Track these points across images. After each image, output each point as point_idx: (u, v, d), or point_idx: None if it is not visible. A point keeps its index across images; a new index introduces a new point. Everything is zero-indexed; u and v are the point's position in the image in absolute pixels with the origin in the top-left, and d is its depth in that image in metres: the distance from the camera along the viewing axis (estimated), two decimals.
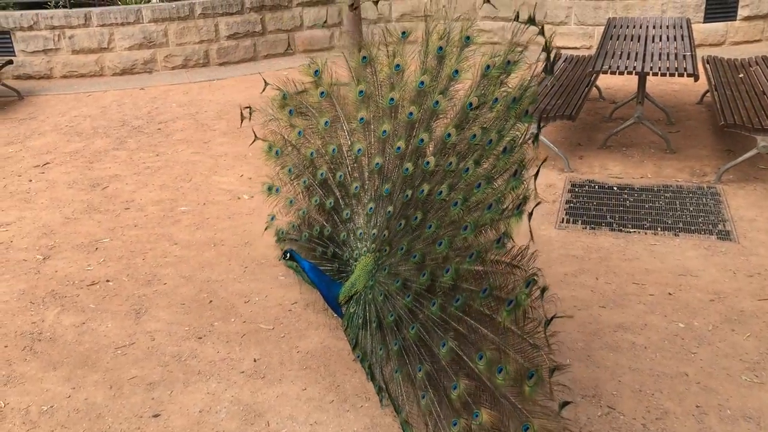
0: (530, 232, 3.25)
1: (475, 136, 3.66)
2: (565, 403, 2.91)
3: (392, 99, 3.99)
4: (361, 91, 4.15)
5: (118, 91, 10.26)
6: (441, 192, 3.66)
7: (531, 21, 3.63)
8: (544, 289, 3.05)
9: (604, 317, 4.48)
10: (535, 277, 3.06)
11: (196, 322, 4.69)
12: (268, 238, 5.74)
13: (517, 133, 3.54)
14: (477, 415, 3.02)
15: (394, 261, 3.77)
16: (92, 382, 4.16)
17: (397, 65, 4.05)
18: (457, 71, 3.89)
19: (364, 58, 4.20)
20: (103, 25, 10.69)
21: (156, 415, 3.86)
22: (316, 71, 4.51)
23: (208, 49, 11.14)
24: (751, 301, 4.55)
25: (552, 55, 3.77)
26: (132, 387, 4.10)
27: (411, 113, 3.91)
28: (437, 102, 3.88)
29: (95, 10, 10.72)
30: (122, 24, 10.72)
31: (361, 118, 4.14)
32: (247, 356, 4.31)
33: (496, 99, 3.65)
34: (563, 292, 4.76)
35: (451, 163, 3.69)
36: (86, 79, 10.90)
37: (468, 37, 3.93)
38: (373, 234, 3.98)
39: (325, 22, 11.78)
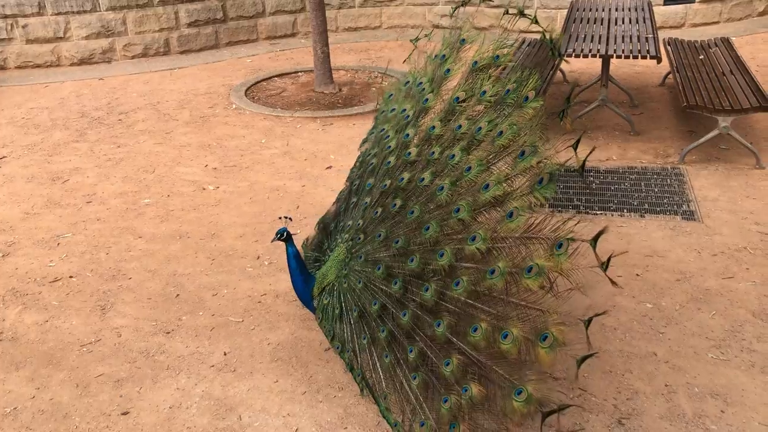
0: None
1: (460, 126, 3.72)
2: (584, 358, 3.06)
3: (404, 109, 4.19)
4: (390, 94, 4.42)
5: (77, 82, 10.00)
6: (423, 179, 3.68)
7: (521, 13, 3.82)
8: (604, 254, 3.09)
9: (573, 299, 4.48)
10: (570, 238, 3.08)
11: (163, 317, 4.60)
12: (235, 229, 5.68)
13: (513, 120, 3.55)
14: (466, 390, 3.06)
15: (370, 248, 3.77)
16: (57, 381, 4.06)
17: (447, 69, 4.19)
18: (448, 69, 4.11)
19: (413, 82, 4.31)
20: (58, 14, 10.39)
21: (125, 413, 3.78)
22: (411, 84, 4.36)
23: (168, 38, 10.91)
24: (716, 280, 4.62)
25: (551, 39, 3.87)
26: (99, 385, 4.01)
27: (404, 109, 4.16)
28: (427, 99, 4.06)
29: None
30: (78, 12, 10.44)
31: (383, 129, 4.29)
32: (217, 350, 4.25)
33: (484, 91, 3.74)
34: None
35: (434, 152, 3.73)
36: (42, 70, 10.60)
37: (464, 40, 4.18)
38: (349, 225, 4.00)
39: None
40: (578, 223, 3.18)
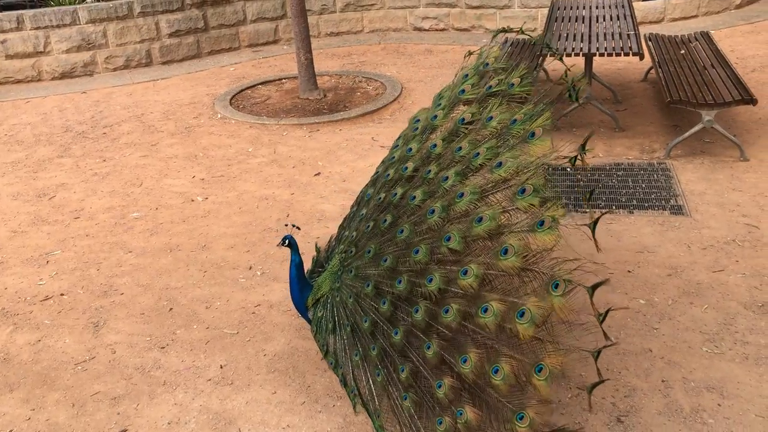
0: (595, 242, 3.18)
1: (460, 148, 3.66)
2: (595, 385, 3.02)
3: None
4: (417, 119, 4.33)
5: (59, 96, 9.93)
6: (414, 197, 3.62)
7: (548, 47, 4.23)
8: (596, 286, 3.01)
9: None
10: (565, 280, 2.95)
11: (157, 332, 4.58)
12: (225, 240, 5.66)
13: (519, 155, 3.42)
14: (461, 413, 3.01)
15: (360, 263, 3.71)
16: (53, 401, 4.03)
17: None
18: (463, 90, 4.09)
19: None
20: (37, 28, 10.31)
21: (123, 431, 3.76)
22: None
23: (150, 49, 10.86)
24: (707, 274, 4.66)
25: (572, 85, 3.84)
26: (96, 403, 3.98)
27: (417, 120, 4.22)
28: (435, 116, 4.04)
29: (28, 13, 10.32)
30: (58, 26, 10.36)
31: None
32: (213, 363, 4.23)
33: (491, 117, 3.66)
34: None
35: (430, 170, 3.67)
36: (23, 85, 10.51)
37: (487, 63, 4.16)
38: (345, 235, 3.99)
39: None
40: (577, 267, 3.05)
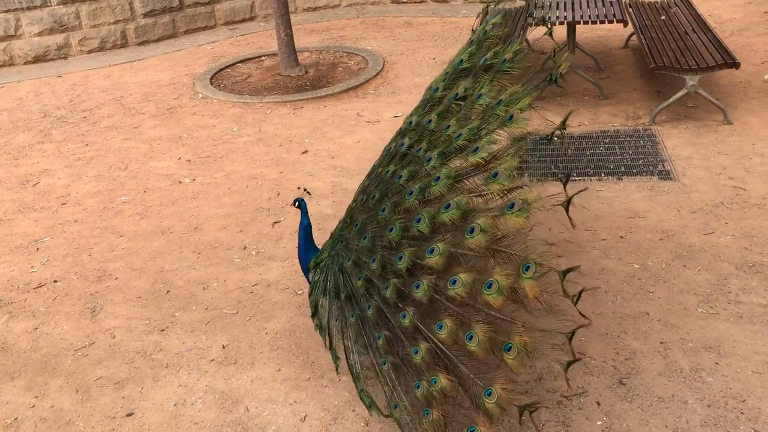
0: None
1: (449, 126, 3.68)
2: (569, 364, 3.09)
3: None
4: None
5: (34, 81, 9.73)
6: (401, 176, 3.67)
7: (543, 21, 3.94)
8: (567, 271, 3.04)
9: (562, 266, 4.54)
10: (535, 260, 2.97)
11: (156, 315, 4.56)
12: (217, 220, 5.64)
13: (494, 146, 3.43)
14: (435, 381, 3.08)
15: (350, 236, 3.80)
16: (56, 388, 4.01)
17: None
18: (461, 60, 4.08)
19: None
20: (7, 11, 10.07)
21: (129, 414, 3.76)
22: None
23: (125, 29, 10.66)
24: (698, 236, 4.74)
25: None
26: (99, 388, 3.97)
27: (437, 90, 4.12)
28: (437, 89, 4.05)
29: None
30: (28, 8, 10.12)
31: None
32: (215, 343, 4.23)
33: (480, 95, 3.67)
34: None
35: (420, 148, 3.70)
36: None
37: (486, 31, 4.14)
38: (351, 205, 4.06)
39: None
40: (553, 245, 3.10)
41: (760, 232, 4.70)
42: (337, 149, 6.70)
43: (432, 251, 3.21)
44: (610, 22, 6.51)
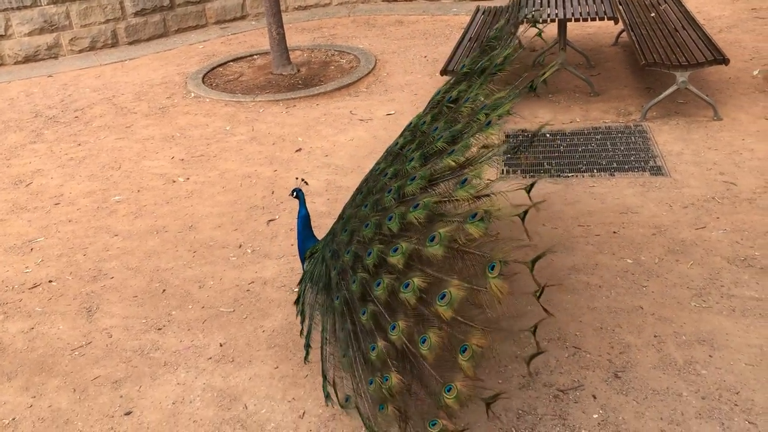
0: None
1: (437, 128, 3.76)
2: (532, 356, 3.16)
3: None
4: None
5: (24, 81, 9.69)
6: (386, 174, 3.75)
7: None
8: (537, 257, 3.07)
9: (556, 261, 4.63)
10: (500, 261, 2.96)
11: (152, 314, 4.57)
12: (212, 219, 5.64)
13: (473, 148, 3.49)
14: (387, 379, 3.12)
15: (337, 228, 3.88)
16: (53, 387, 4.01)
17: None
18: (463, 65, 4.28)
19: None
20: None
21: (128, 413, 3.77)
22: None
23: (115, 29, 10.62)
24: (690, 231, 4.79)
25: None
26: (97, 387, 3.98)
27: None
28: (439, 91, 4.21)
29: None
30: (18, 8, 10.07)
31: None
32: (212, 342, 4.25)
33: (468, 98, 3.75)
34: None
35: (410, 148, 3.78)
36: None
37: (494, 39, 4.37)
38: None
39: None
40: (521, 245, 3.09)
41: (751, 226, 4.75)
42: (330, 147, 6.71)
43: (396, 250, 3.26)
44: (601, 19, 6.56)
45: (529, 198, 3.13)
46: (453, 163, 3.41)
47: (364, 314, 3.31)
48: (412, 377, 3.14)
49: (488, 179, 3.31)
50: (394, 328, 3.14)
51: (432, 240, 3.13)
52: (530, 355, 3.39)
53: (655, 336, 3.89)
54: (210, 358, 4.11)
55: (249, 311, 4.48)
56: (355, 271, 3.48)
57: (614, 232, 4.87)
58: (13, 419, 3.82)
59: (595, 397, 3.52)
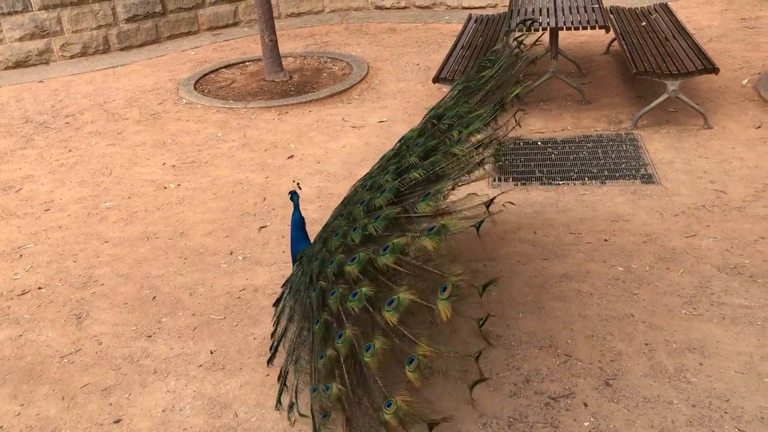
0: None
1: (417, 144, 3.92)
2: (475, 383, 3.25)
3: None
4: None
5: (15, 86, 9.64)
6: (365, 186, 3.86)
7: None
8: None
9: (547, 269, 4.64)
10: (452, 284, 2.94)
11: (142, 321, 4.54)
12: (203, 226, 5.62)
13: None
14: (328, 388, 3.16)
15: (323, 236, 3.88)
16: (42, 395, 3.98)
17: None
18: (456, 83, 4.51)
19: None
20: None
21: (117, 421, 3.74)
22: None
23: (107, 35, 10.59)
24: (680, 239, 4.81)
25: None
26: (86, 395, 3.95)
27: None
28: (440, 105, 4.34)
29: None
30: (9, 13, 10.02)
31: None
32: (203, 349, 4.22)
33: (458, 140, 3.81)
34: (505, 249, 4.89)
35: (392, 163, 3.89)
36: None
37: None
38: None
39: None
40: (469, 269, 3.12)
41: (741, 235, 4.78)
42: (323, 154, 6.71)
43: (353, 260, 3.29)
44: (593, 28, 6.59)
45: (488, 212, 3.14)
46: (417, 176, 3.55)
47: (317, 323, 3.36)
48: (359, 389, 3.14)
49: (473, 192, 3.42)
50: (341, 336, 3.18)
51: (385, 249, 3.17)
52: (473, 381, 3.33)
53: (646, 344, 3.89)
54: (200, 365, 4.09)
55: (240, 319, 4.46)
56: (318, 280, 3.53)
57: (605, 240, 4.88)
58: (1, 427, 3.78)
59: (586, 405, 3.52)
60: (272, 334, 4.02)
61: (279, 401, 3.66)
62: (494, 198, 3.21)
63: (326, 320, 3.33)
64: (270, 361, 3.97)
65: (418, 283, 3.09)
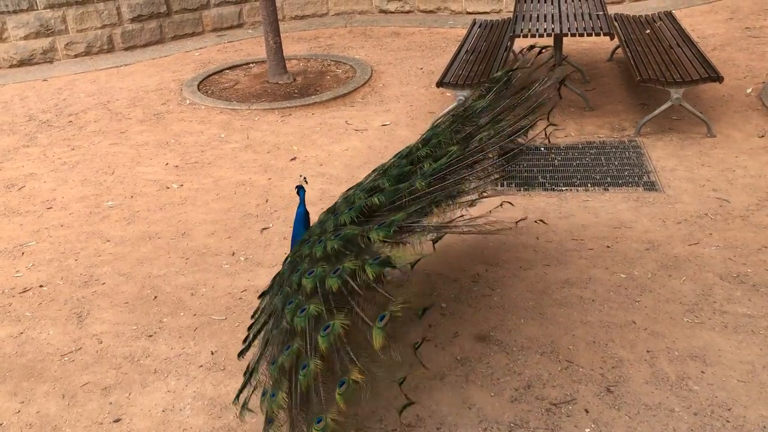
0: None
1: (396, 166, 4.08)
2: (404, 407, 3.23)
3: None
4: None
5: (19, 84, 9.65)
6: (347, 199, 3.93)
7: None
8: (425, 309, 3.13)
9: (549, 275, 4.64)
10: (390, 312, 2.96)
11: (143, 320, 4.54)
12: (205, 226, 5.62)
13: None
14: (274, 395, 3.16)
15: (305, 240, 3.89)
16: (42, 393, 3.97)
17: None
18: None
19: None
20: None
21: (117, 420, 3.73)
22: None
23: (111, 34, 10.61)
24: (683, 247, 4.81)
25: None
26: (86, 394, 3.94)
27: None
28: (438, 125, 4.41)
29: None
30: (14, 12, 10.04)
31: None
32: (204, 349, 4.22)
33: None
34: (507, 254, 4.89)
35: (378, 180, 3.96)
36: None
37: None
38: None
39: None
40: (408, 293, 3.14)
41: (744, 243, 4.77)
42: (325, 156, 6.71)
43: (311, 274, 3.32)
44: (597, 35, 6.60)
45: (434, 248, 3.34)
46: (377, 202, 3.65)
47: (278, 328, 3.37)
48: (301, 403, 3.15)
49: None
50: (288, 348, 3.18)
51: (335, 273, 3.20)
52: (402, 405, 3.30)
53: (647, 351, 3.89)
54: (201, 366, 4.08)
55: (241, 319, 4.46)
56: (283, 286, 3.55)
57: (608, 247, 4.88)
58: (1, 425, 3.77)
59: (587, 412, 3.51)
60: (249, 328, 3.84)
61: (237, 397, 3.52)
62: (441, 237, 3.44)
63: (285, 327, 3.32)
64: (241, 354, 3.76)
65: (367, 306, 3.12)
